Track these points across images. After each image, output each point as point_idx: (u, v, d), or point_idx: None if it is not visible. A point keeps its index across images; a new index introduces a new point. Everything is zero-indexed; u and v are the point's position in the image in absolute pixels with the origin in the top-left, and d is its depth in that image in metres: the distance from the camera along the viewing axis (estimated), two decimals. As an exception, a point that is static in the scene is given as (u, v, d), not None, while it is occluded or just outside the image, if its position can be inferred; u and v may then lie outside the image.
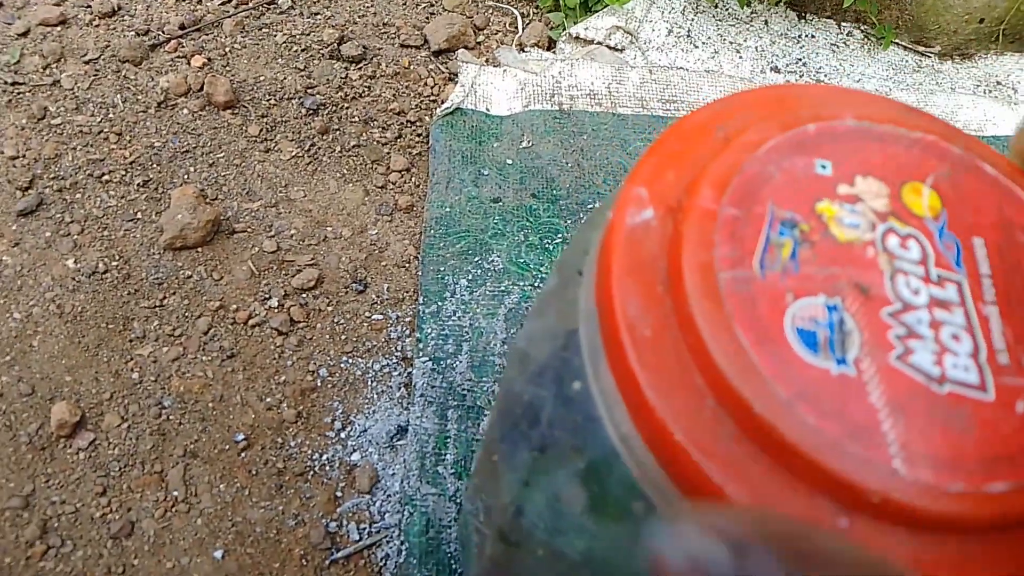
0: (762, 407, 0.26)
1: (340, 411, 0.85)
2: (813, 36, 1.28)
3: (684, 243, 0.30)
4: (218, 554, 0.76)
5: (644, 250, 0.33)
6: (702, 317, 0.28)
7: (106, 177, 0.97)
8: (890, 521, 0.25)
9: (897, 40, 1.31)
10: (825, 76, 1.25)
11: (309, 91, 1.09)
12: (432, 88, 1.13)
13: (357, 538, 0.78)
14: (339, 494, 0.80)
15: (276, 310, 0.90)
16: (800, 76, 1.24)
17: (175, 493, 0.79)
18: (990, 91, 1.29)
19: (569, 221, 1.02)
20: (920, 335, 0.27)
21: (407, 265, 0.96)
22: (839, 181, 0.31)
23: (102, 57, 1.07)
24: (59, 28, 1.09)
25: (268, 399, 0.84)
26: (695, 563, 0.21)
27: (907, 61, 1.31)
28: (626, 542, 0.33)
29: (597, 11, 1.23)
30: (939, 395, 0.26)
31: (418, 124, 1.09)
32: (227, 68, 1.09)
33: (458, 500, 0.79)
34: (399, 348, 0.89)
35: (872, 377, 0.26)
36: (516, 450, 0.41)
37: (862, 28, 1.31)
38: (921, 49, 1.32)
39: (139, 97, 1.04)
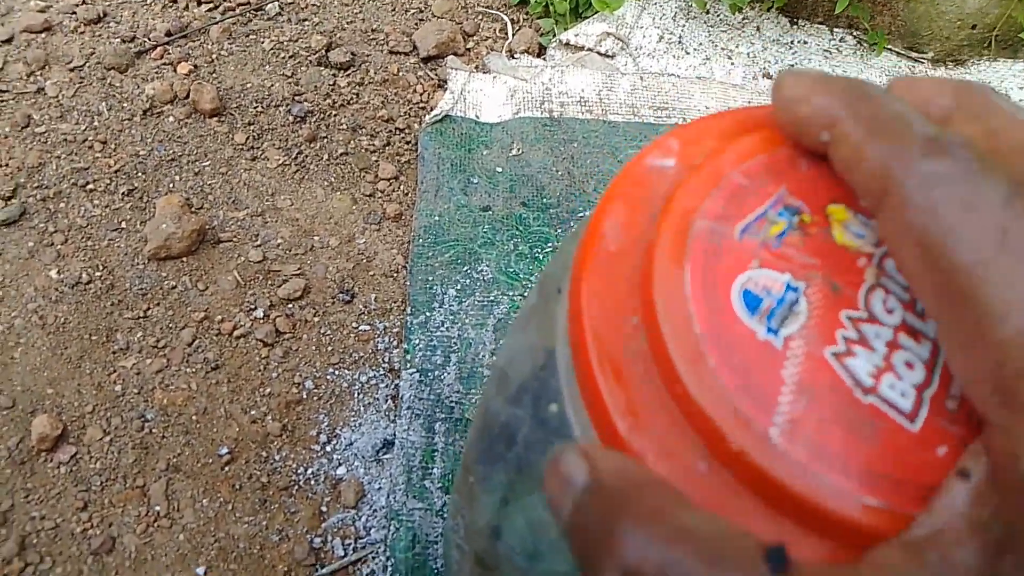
0: (675, 345, 0.25)
1: (326, 424, 0.84)
2: (805, 42, 1.28)
3: (679, 192, 0.29)
4: (200, 570, 0.75)
5: (622, 246, 0.31)
6: (662, 253, 0.27)
7: (90, 186, 0.96)
8: (744, 482, 0.24)
9: (890, 46, 1.30)
10: (817, 82, 1.25)
11: (296, 98, 1.08)
12: (421, 95, 1.12)
13: (342, 554, 0.77)
14: (324, 509, 0.79)
15: (262, 321, 0.89)
16: (792, 82, 1.23)
17: (157, 508, 0.77)
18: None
19: (559, 230, 1.01)
20: (871, 347, 0.26)
21: (395, 275, 0.95)
22: None
23: (87, 64, 1.06)
24: (43, 35, 1.08)
25: (253, 412, 0.83)
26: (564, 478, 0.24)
27: (900, 67, 1.30)
28: None
29: (588, 17, 1.22)
30: (859, 401, 0.25)
31: (407, 131, 1.08)
32: (213, 75, 1.08)
33: (445, 515, 0.78)
34: (386, 359, 0.88)
35: (796, 356, 0.26)
36: (492, 471, 0.40)
37: (854, 34, 1.30)
38: (914, 55, 1.32)
39: (124, 105, 1.03)
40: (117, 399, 0.83)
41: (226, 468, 0.80)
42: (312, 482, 0.80)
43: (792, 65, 1.25)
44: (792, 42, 1.27)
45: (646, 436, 0.27)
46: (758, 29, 1.27)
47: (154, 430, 0.81)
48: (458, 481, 0.56)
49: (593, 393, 0.28)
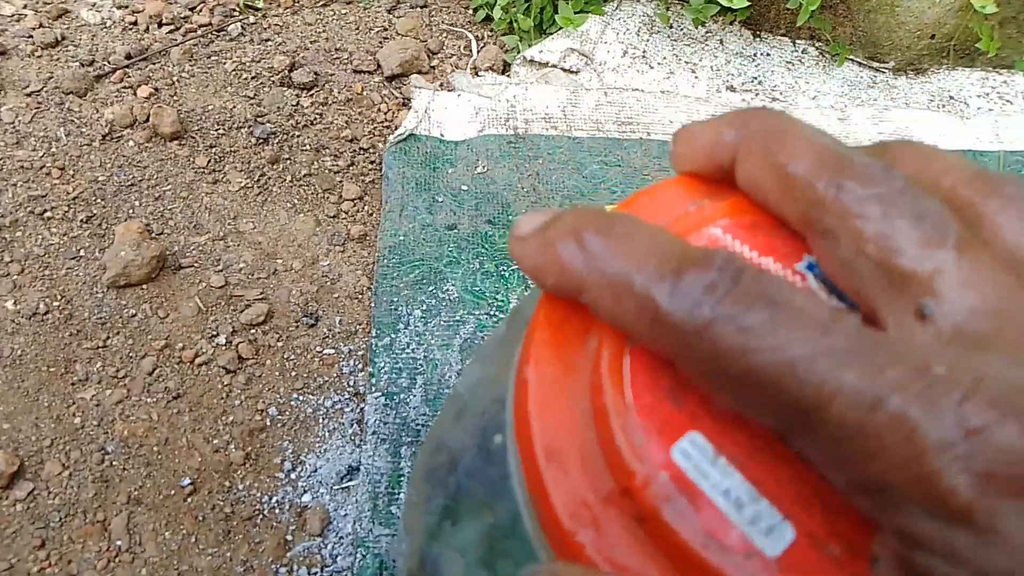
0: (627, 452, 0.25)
1: (290, 451, 0.83)
2: (768, 54, 1.29)
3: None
4: (163, 605, 0.73)
5: (576, 315, 0.31)
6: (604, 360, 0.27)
7: (48, 214, 0.94)
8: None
9: (852, 56, 1.32)
10: (781, 94, 1.25)
11: (259, 119, 1.07)
12: (385, 114, 1.12)
13: (308, 583, 0.76)
14: (289, 538, 0.78)
15: (224, 347, 0.88)
16: (756, 95, 1.24)
17: (119, 543, 0.76)
18: (943, 106, 1.30)
19: (525, 247, 1.01)
20: None
21: (360, 296, 0.94)
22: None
23: (44, 89, 1.05)
24: (-1, 60, 1.07)
25: (215, 440, 0.82)
26: None
27: (862, 77, 1.31)
28: None
29: (552, 34, 1.22)
30: None
31: (371, 151, 1.08)
32: (174, 98, 1.07)
33: (411, 541, 0.78)
34: (351, 383, 0.88)
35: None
36: (433, 493, 0.40)
37: (816, 45, 1.32)
38: (876, 65, 1.33)
39: (83, 130, 1.02)
40: (76, 431, 0.81)
41: (189, 499, 0.79)
42: (277, 511, 0.79)
43: (755, 77, 1.26)
44: (755, 54, 1.28)
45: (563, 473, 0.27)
46: (721, 42, 1.28)
47: (115, 462, 0.80)
48: (405, 500, 0.56)
49: (523, 427, 0.28)
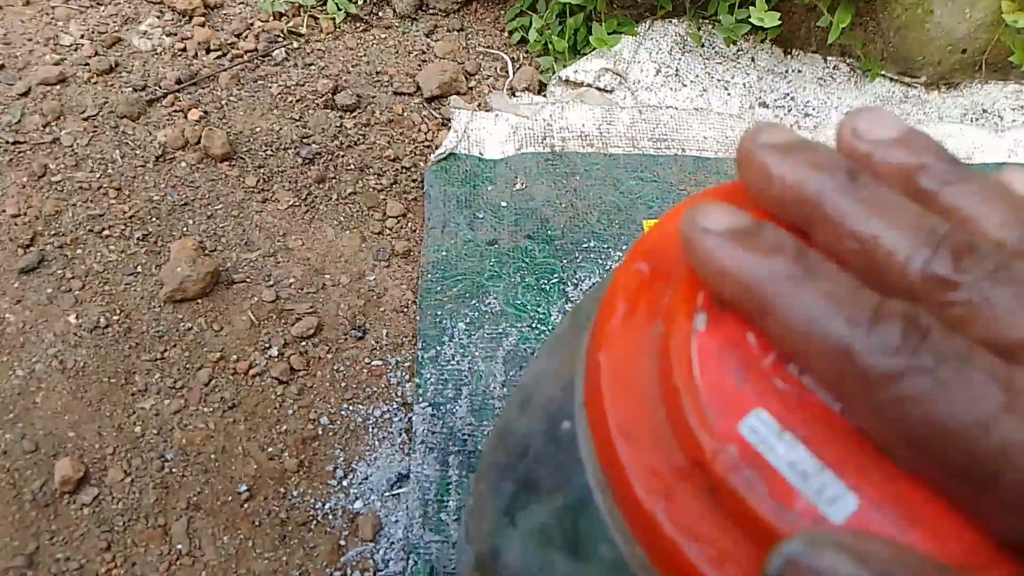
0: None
1: (342, 459, 0.85)
2: (800, 71, 1.31)
3: (683, 288, 0.31)
4: (222, 608, 0.76)
5: (640, 306, 0.33)
6: (676, 350, 0.29)
7: (106, 232, 0.98)
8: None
9: (883, 72, 1.33)
10: (813, 110, 1.27)
11: (305, 141, 1.11)
12: (426, 134, 1.15)
13: (361, 587, 0.78)
14: (343, 543, 0.80)
15: (276, 359, 0.90)
16: (788, 111, 1.26)
17: (179, 546, 0.79)
18: (977, 119, 1.31)
19: (564, 261, 1.03)
20: None
21: (405, 310, 0.97)
22: None
23: (100, 113, 1.09)
24: (58, 86, 1.11)
25: (270, 449, 0.85)
26: None
27: (894, 92, 1.33)
28: None
29: (586, 54, 1.25)
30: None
31: (413, 170, 1.11)
32: (223, 121, 1.11)
33: (461, 546, 0.79)
34: (399, 394, 0.90)
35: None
36: (502, 481, 0.42)
37: (848, 61, 1.33)
38: (907, 80, 1.34)
39: (137, 152, 1.06)
40: (137, 440, 0.84)
41: (245, 505, 0.81)
42: (330, 517, 0.81)
43: (787, 94, 1.28)
44: (787, 71, 1.30)
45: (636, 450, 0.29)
46: (753, 60, 1.30)
47: (174, 470, 0.83)
48: (471, 493, 0.58)
49: (595, 402, 0.31)
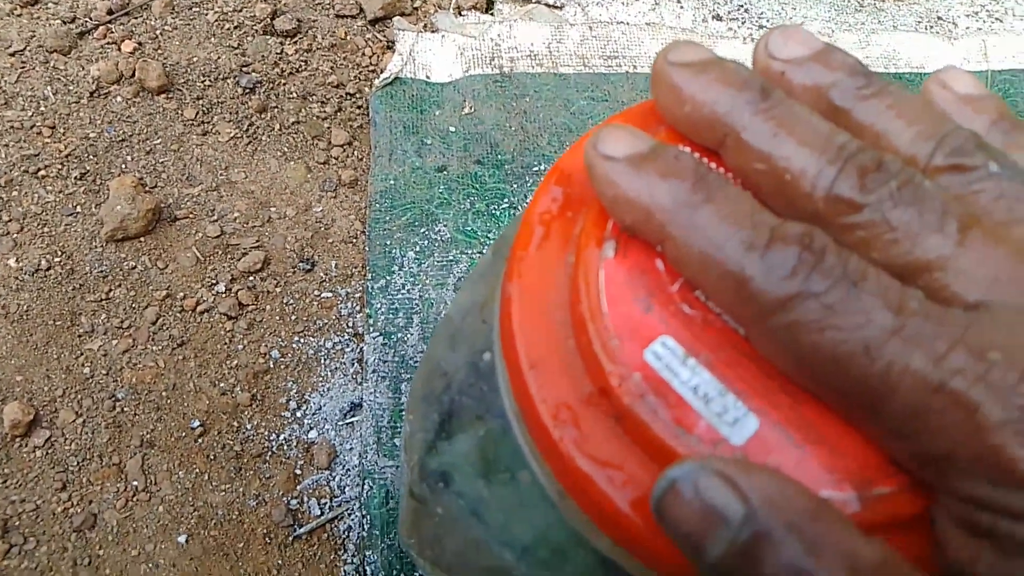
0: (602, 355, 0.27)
1: (295, 391, 0.85)
2: (753, -19, 1.28)
3: (592, 215, 0.30)
4: (182, 539, 0.77)
5: (552, 233, 0.33)
6: (584, 271, 0.29)
7: (42, 172, 0.96)
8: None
9: (837, -21, 1.30)
10: (768, 21, 1.25)
11: (244, 69, 1.07)
12: (370, 58, 1.12)
13: (319, 513, 0.80)
14: (298, 472, 0.81)
15: (224, 295, 0.90)
16: (743, 23, 1.24)
17: (135, 483, 0.80)
18: (931, 27, 1.30)
19: (515, 185, 1.03)
20: None
21: (354, 240, 0.96)
22: None
23: (28, 48, 1.05)
24: (-19, 20, 1.06)
25: (221, 384, 0.85)
26: (708, 510, 0.20)
27: (849, 1, 1.31)
28: (512, 507, 0.35)
29: (533, -31, 1.21)
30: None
31: (358, 96, 1.08)
32: (159, 52, 1.07)
33: (415, 470, 0.81)
34: (350, 325, 0.90)
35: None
36: (428, 410, 0.42)
37: (802, -31, 1.30)
38: (862, -13, 1.32)
39: (70, 88, 1.03)
40: (87, 381, 0.84)
41: (199, 440, 0.82)
42: (285, 447, 0.82)
43: (741, 5, 1.25)
44: (739, -18, 1.27)
45: (545, 376, 0.29)
46: (705, -30, 1.27)
47: (126, 408, 0.83)
48: (403, 426, 0.59)
49: (508, 342, 0.31)
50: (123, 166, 0.97)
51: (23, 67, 1.03)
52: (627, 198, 0.25)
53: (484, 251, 0.96)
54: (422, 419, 0.46)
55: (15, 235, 0.91)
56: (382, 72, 1.10)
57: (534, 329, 0.31)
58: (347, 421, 0.84)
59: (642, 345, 0.29)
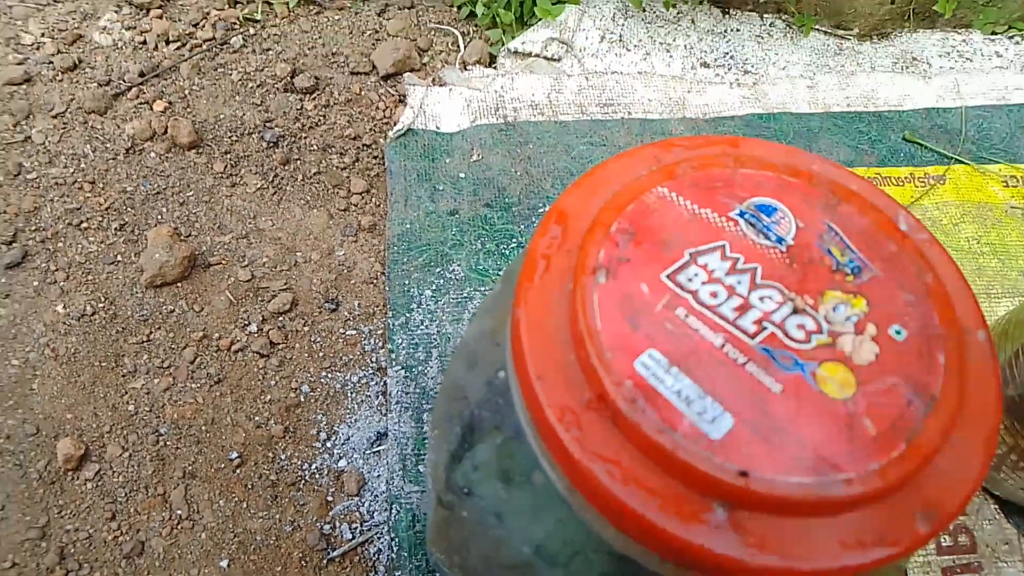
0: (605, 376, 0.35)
1: (324, 423, 0.92)
2: (738, 30, 1.37)
3: (586, 248, 0.38)
4: (224, 563, 0.83)
5: (553, 265, 0.41)
6: (581, 294, 0.37)
7: (84, 224, 1.03)
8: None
9: (817, 26, 1.40)
10: (752, 67, 1.34)
11: (268, 124, 1.16)
12: (384, 111, 1.20)
13: (350, 537, 0.85)
14: (330, 499, 0.88)
15: (256, 334, 0.97)
16: (728, 69, 1.32)
17: (179, 512, 0.86)
18: (907, 67, 1.38)
19: (522, 226, 1.10)
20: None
21: (375, 281, 1.03)
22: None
23: (68, 110, 1.13)
24: (24, 86, 1.15)
25: (256, 418, 0.91)
26: None
27: (828, 45, 1.39)
28: (529, 506, 0.41)
29: (532, 25, 1.30)
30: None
31: (373, 147, 1.16)
32: (188, 110, 1.16)
33: (439, 493, 0.87)
34: (374, 360, 0.97)
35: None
36: (451, 426, 0.49)
37: (783, 18, 1.40)
38: (841, 32, 1.41)
39: (107, 145, 1.11)
40: (131, 417, 0.90)
41: (237, 470, 0.88)
42: (317, 476, 0.89)
43: (727, 53, 1.34)
44: (725, 31, 1.36)
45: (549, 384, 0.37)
46: (693, 21, 1.36)
47: (168, 442, 0.89)
48: (428, 444, 0.65)
49: (518, 356, 0.38)
50: (159, 217, 1.05)
51: (64, 128, 1.12)
52: None
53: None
54: (446, 433, 0.52)
55: (61, 283, 0.98)
56: (395, 124, 1.18)
57: (540, 346, 0.38)
58: (374, 450, 0.91)
59: (632, 357, 0.36)
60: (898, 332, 0.35)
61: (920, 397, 0.33)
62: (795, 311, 0.36)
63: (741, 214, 0.41)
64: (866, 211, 0.39)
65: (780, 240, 0.41)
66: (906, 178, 1.18)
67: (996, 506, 0.86)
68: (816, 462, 0.34)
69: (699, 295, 0.36)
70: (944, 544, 0.83)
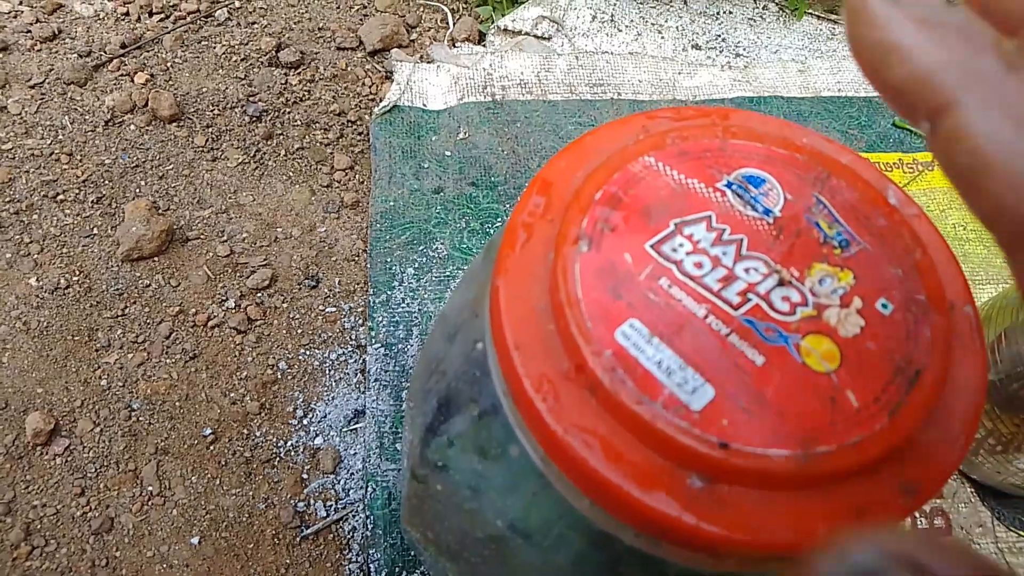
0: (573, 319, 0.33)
1: (301, 400, 0.90)
2: (731, 12, 1.35)
3: (569, 217, 0.36)
4: (195, 540, 0.81)
5: (535, 235, 0.39)
6: (563, 259, 0.35)
7: (60, 197, 1.01)
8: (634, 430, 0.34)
9: (811, 10, 1.38)
10: (744, 50, 1.32)
11: (251, 99, 1.13)
12: (370, 88, 1.18)
13: (325, 515, 0.84)
14: (305, 476, 0.86)
15: (233, 310, 0.95)
16: (720, 51, 1.31)
17: (150, 488, 0.84)
18: (901, 53, 1.37)
19: (508, 205, 1.08)
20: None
21: (356, 259, 1.01)
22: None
23: (47, 81, 1.11)
24: (1, 55, 1.12)
25: (232, 394, 0.90)
26: None
27: (821, 30, 1.38)
28: (504, 479, 0.40)
29: (523, 3, 1.28)
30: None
31: (358, 123, 1.14)
32: (170, 83, 1.14)
33: (416, 472, 0.86)
34: (353, 337, 0.95)
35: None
36: (427, 398, 0.47)
37: (776, 1, 1.38)
38: (834, 17, 1.39)
39: (86, 117, 1.08)
40: (104, 392, 0.89)
41: (211, 447, 0.87)
42: (292, 453, 0.87)
43: (719, 35, 1.33)
44: (718, 13, 1.34)
45: (530, 357, 0.35)
46: (685, 3, 1.34)
47: (141, 418, 0.88)
48: (404, 418, 0.64)
49: (498, 329, 0.36)
50: (137, 190, 1.03)
51: (42, 98, 1.09)
52: (910, 49, 0.20)
53: (479, 267, 1.01)
54: (422, 406, 0.51)
55: (36, 256, 0.96)
56: (381, 100, 1.16)
57: (519, 316, 0.36)
58: (351, 428, 0.89)
59: (613, 327, 0.35)
60: (884, 306, 0.34)
61: (904, 371, 0.32)
62: (781, 283, 0.34)
63: (729, 185, 0.39)
64: (856, 185, 0.38)
65: (768, 212, 0.39)
66: (895, 164, 1.17)
67: (972, 489, 0.85)
68: (797, 435, 0.32)
69: (683, 265, 0.35)
70: (920, 526, 0.83)
